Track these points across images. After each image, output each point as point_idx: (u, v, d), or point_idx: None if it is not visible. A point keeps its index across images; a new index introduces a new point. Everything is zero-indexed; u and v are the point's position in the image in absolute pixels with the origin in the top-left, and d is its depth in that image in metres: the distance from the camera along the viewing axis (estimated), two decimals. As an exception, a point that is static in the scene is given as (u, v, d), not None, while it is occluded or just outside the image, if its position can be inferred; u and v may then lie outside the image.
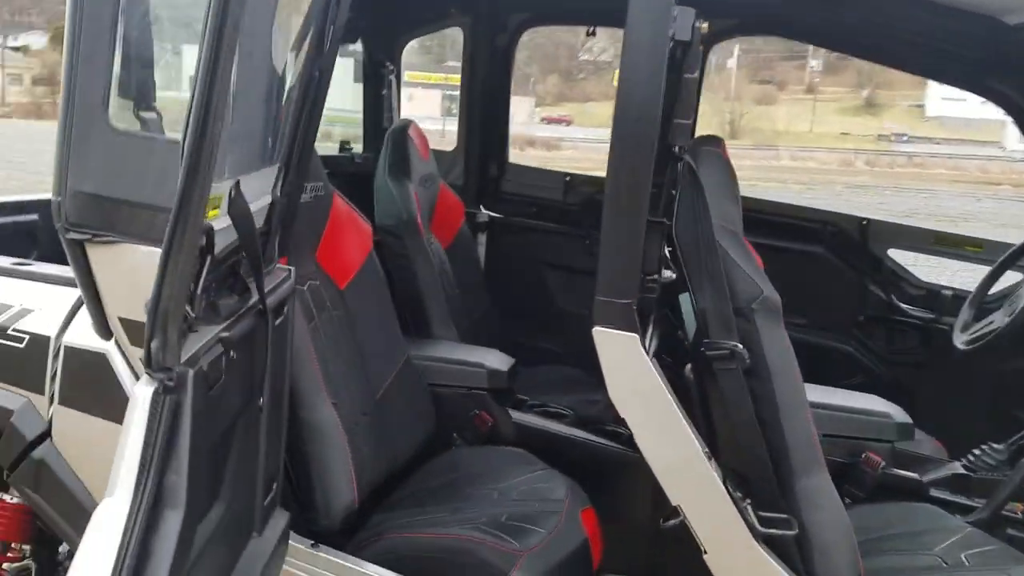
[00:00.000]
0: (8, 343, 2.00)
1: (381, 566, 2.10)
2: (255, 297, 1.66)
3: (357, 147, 3.90)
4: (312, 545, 2.12)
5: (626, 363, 1.87)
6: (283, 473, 2.13)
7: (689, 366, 2.10)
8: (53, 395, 1.90)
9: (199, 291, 1.46)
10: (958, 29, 2.55)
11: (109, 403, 1.72)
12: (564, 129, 42.70)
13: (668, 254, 2.10)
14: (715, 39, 3.38)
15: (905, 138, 46.57)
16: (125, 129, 1.89)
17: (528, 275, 3.81)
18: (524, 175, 3.92)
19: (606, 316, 1.85)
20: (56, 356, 1.88)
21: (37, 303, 2.03)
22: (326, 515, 2.13)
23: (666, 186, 2.10)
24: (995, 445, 2.59)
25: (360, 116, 3.83)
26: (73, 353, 1.82)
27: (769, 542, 1.88)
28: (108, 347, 1.74)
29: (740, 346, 1.87)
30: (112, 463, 1.27)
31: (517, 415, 2.87)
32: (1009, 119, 2.79)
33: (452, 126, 4.06)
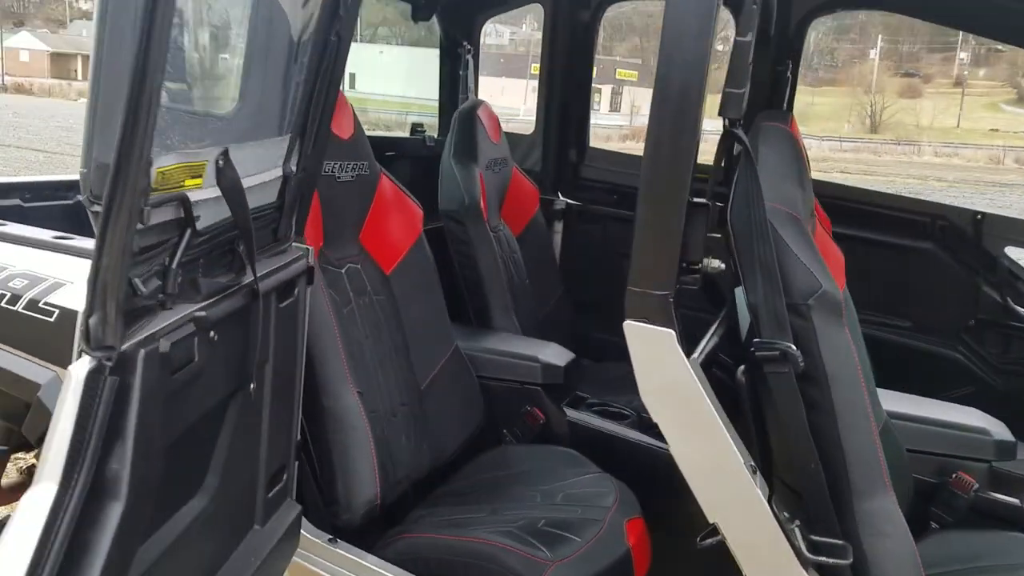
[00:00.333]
0: (39, 316, 1.97)
1: (399, 566, 1.98)
2: (249, 277, 1.55)
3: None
4: (330, 540, 2.01)
5: (659, 362, 1.67)
6: (305, 463, 2.04)
7: (742, 368, 1.88)
8: None
9: (174, 266, 1.37)
10: None
11: None
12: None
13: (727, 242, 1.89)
14: (813, 14, 3.08)
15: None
16: (183, 114, 1.85)
17: (605, 266, 3.61)
18: (606, 160, 3.71)
19: (639, 309, 1.67)
20: None
21: (71, 276, 2.00)
22: (347, 509, 2.02)
23: (727, 165, 1.89)
24: None
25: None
26: None
27: (820, 570, 1.65)
28: None
29: (793, 347, 1.65)
30: None
31: (572, 413, 2.69)
32: None
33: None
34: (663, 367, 1.68)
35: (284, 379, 1.77)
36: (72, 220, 2.52)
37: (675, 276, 1.65)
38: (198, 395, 1.41)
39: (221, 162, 1.47)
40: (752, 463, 1.68)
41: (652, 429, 2.61)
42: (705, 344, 1.86)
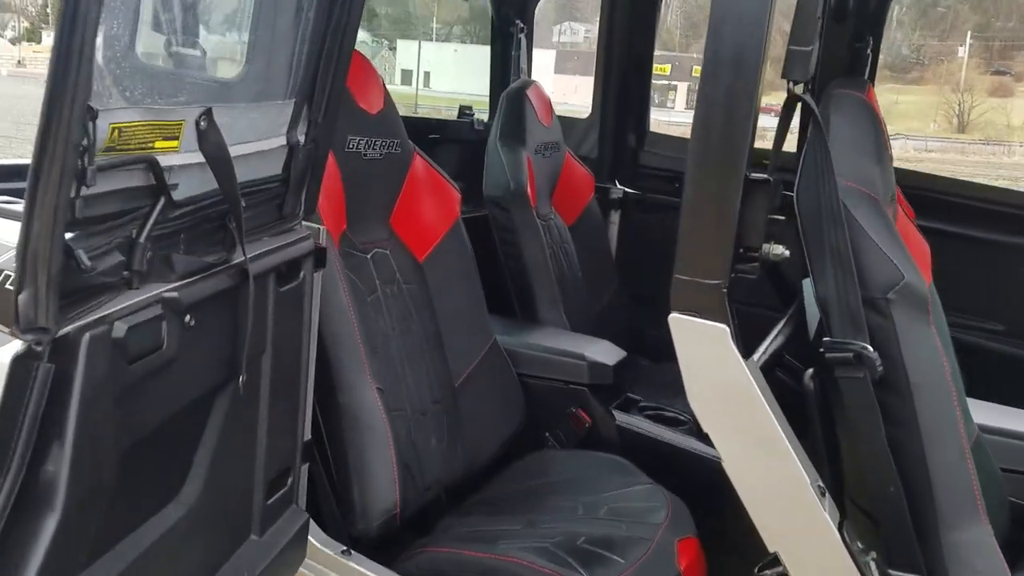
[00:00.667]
0: None
1: (416, 583, 1.78)
2: (240, 257, 1.37)
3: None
4: (343, 552, 1.82)
5: (710, 362, 1.44)
6: (320, 466, 1.86)
7: (810, 371, 1.63)
8: None
9: (142, 239, 1.19)
10: None
11: None
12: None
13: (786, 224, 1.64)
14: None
15: None
16: (155, 67, 1.70)
17: (664, 260, 3.34)
18: (667, 146, 3.45)
19: (686, 300, 1.44)
20: None
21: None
22: (363, 517, 1.83)
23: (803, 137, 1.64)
24: None
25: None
26: None
27: None
28: None
29: (869, 348, 1.40)
30: None
31: (621, 416, 2.45)
32: None
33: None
34: (715, 368, 1.45)
35: (286, 372, 1.59)
36: None
37: (730, 264, 1.41)
38: (169, 388, 1.23)
39: (203, 123, 1.29)
40: (820, 484, 1.43)
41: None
42: (768, 344, 1.61)
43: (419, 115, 3.73)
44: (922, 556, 1.40)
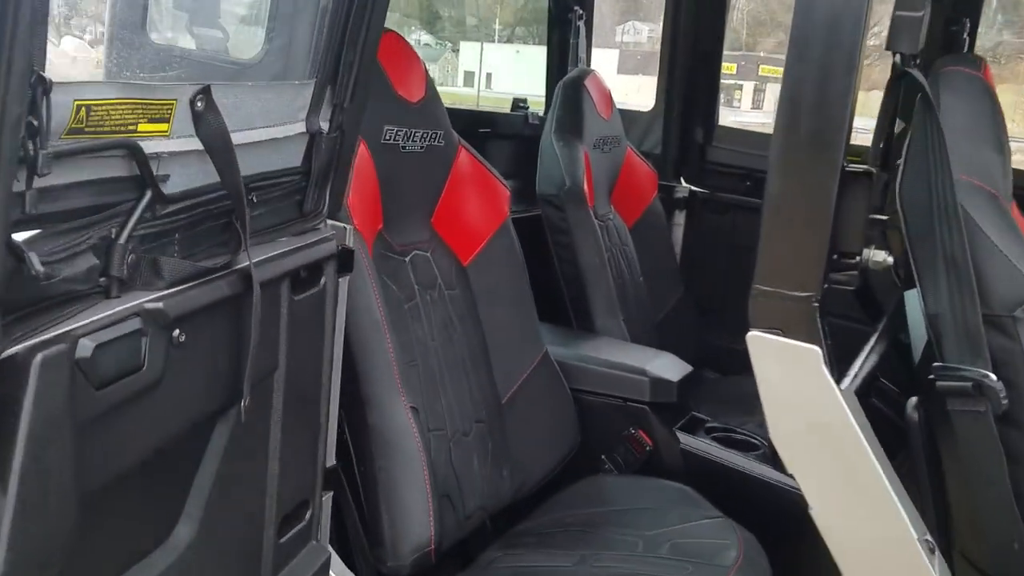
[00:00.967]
0: None
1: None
2: (245, 261, 1.18)
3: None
4: None
5: (797, 390, 1.21)
6: (348, 495, 1.67)
7: (913, 401, 1.38)
8: None
9: (122, 240, 1.01)
10: None
11: None
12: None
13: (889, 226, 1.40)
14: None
15: None
16: (169, 47, 1.54)
17: (734, 264, 3.09)
18: (738, 140, 3.20)
19: (769, 316, 1.22)
20: None
21: None
22: (393, 554, 1.63)
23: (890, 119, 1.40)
24: None
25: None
26: None
27: None
28: None
29: (992, 376, 1.16)
30: None
31: (687, 439, 2.22)
32: None
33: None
34: (803, 397, 1.21)
35: (304, 390, 1.40)
36: None
37: (823, 273, 1.18)
38: (153, 416, 1.05)
39: (200, 104, 1.10)
40: (929, 539, 1.19)
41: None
42: (861, 365, 1.37)
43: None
44: None
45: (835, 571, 1.83)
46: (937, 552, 1.21)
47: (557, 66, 3.16)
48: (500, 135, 2.93)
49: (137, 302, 1.01)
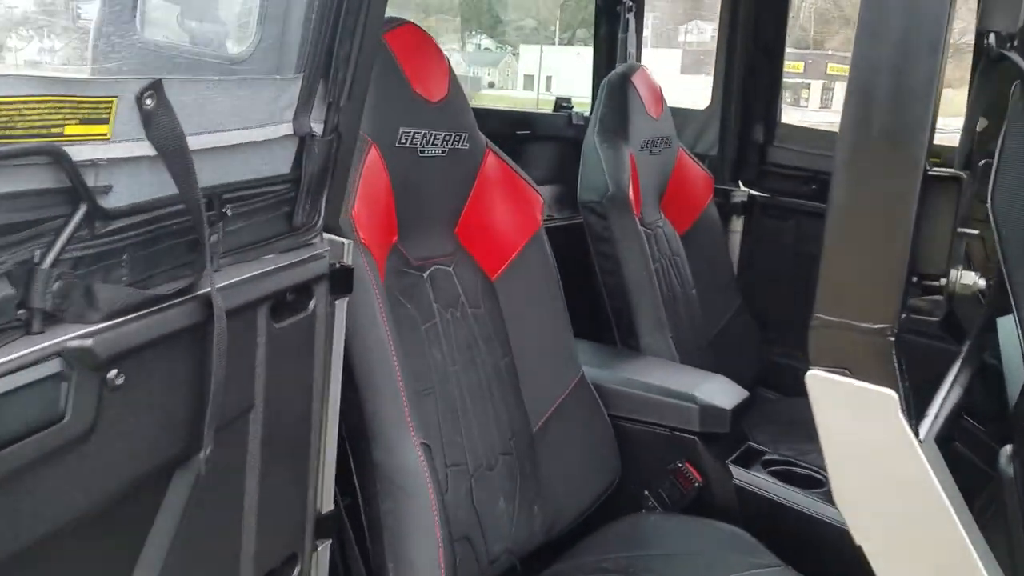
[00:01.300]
0: None
1: None
2: (208, 286, 1.01)
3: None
4: None
5: (867, 441, 0.99)
6: (353, 539, 1.50)
7: (1008, 450, 1.14)
8: None
9: (46, 264, 0.85)
10: None
11: None
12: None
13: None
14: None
15: None
16: (159, 42, 1.39)
17: (798, 274, 2.85)
18: (803, 139, 2.95)
19: (832, 352, 1.00)
20: None
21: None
22: (400, 610, 1.45)
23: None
24: None
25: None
26: None
27: None
28: None
29: None
30: None
31: (741, 474, 1.99)
32: None
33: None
34: (873, 451, 1.00)
35: (290, 429, 1.22)
36: None
37: (900, 300, 0.96)
38: (83, 473, 0.88)
39: (150, 101, 0.93)
40: None
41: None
42: (941, 403, 1.14)
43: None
44: None
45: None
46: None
47: (605, 63, 2.96)
48: (542, 137, 2.74)
49: (58, 340, 0.85)
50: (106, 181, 0.92)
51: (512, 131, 2.52)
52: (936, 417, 1.09)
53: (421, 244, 1.74)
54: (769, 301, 2.89)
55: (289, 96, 1.19)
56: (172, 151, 0.96)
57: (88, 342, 0.86)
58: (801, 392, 2.16)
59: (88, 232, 0.90)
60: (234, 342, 1.04)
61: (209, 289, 1.00)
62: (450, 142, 1.75)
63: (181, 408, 1.00)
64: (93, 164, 0.90)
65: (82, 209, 0.88)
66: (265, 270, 1.12)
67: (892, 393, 0.96)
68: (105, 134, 0.90)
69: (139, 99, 0.92)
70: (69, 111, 0.85)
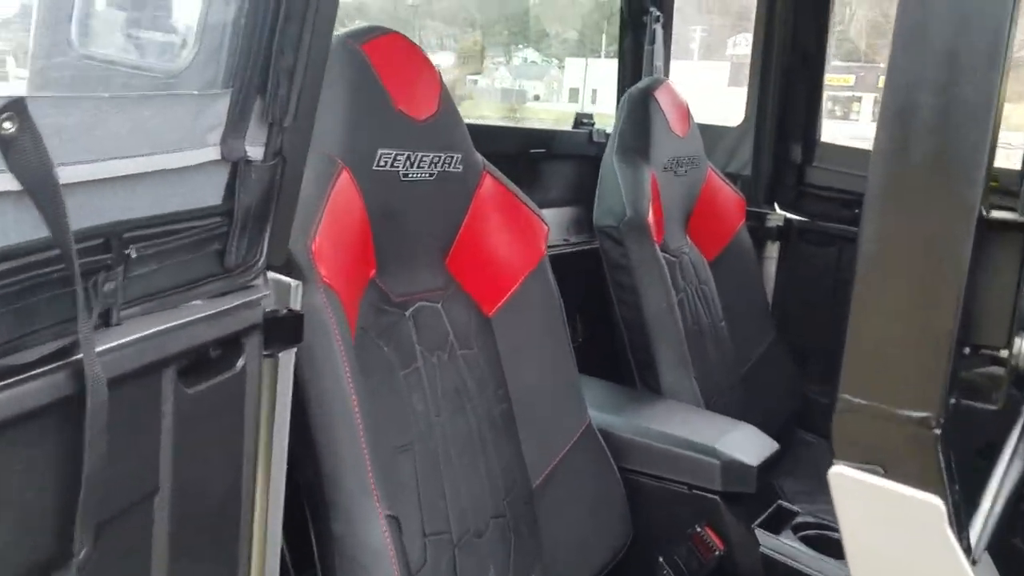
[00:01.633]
0: None
1: None
2: (82, 349, 0.83)
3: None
4: None
5: (903, 556, 0.78)
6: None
7: None
8: None
9: None
10: None
11: None
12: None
13: None
14: None
15: None
16: (100, 56, 1.23)
17: (838, 303, 2.61)
18: (843, 159, 2.72)
19: (861, 445, 0.79)
20: None
21: None
22: None
23: None
24: None
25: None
26: None
27: None
28: None
29: None
30: None
31: (769, 540, 1.76)
32: None
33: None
34: (911, 567, 0.78)
35: (211, 511, 1.04)
36: None
37: (947, 380, 0.75)
38: None
39: (11, 126, 0.76)
40: None
41: None
42: (993, 499, 0.92)
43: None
44: None
45: None
46: None
47: (630, 77, 2.75)
48: (559, 155, 2.54)
49: None
50: (-53, 223, 0.75)
51: (525, 149, 2.33)
52: (990, 513, 0.87)
53: (404, 278, 1.55)
54: (807, 333, 2.65)
55: (214, 115, 1.01)
56: (39, 184, 0.78)
57: None
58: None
59: None
60: (127, 415, 0.86)
61: (77, 357, 0.82)
62: (439, 164, 1.56)
63: (51, 502, 0.82)
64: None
65: None
66: (170, 324, 0.94)
67: (938, 501, 0.74)
68: (-57, 165, 0.73)
69: None
70: None
